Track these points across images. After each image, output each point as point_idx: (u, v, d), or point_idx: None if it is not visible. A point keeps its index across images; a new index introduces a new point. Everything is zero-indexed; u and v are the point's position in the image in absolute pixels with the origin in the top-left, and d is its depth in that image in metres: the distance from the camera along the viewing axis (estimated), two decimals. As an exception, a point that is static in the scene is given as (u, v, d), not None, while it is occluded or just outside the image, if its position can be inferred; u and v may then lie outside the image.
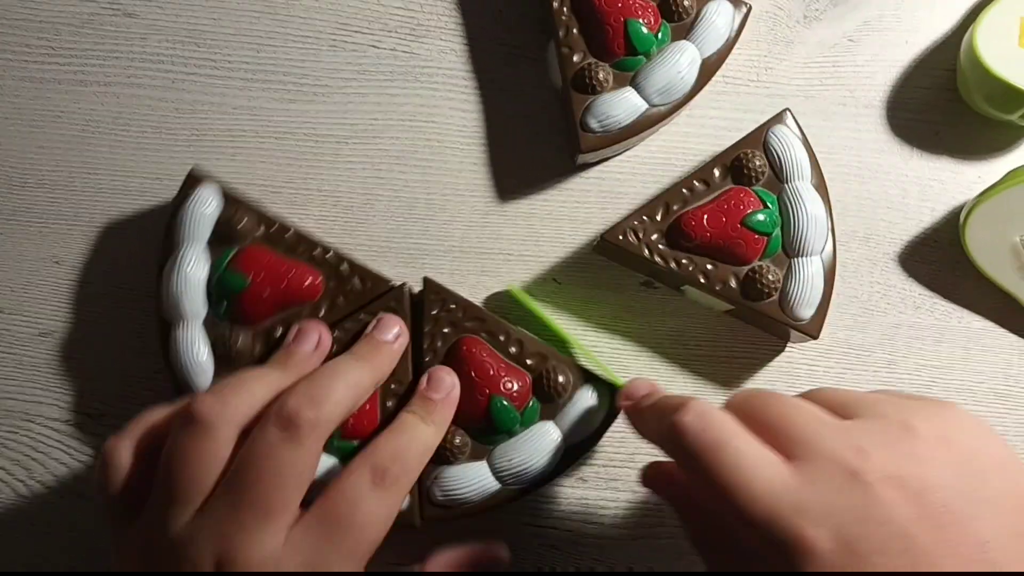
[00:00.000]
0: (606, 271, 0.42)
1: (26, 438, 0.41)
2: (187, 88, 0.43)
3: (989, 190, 0.40)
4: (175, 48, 0.43)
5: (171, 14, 0.43)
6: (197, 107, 0.43)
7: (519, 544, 0.40)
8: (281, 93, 0.43)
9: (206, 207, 0.38)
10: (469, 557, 0.35)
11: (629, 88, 0.40)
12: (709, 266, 0.39)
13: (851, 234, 0.42)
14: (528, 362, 0.38)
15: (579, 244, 0.42)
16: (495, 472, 0.37)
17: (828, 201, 0.39)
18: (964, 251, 0.41)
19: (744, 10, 0.41)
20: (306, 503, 0.30)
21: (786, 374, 0.42)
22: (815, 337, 0.38)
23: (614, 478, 0.41)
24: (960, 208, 0.42)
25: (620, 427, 0.38)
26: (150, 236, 0.41)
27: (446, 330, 0.38)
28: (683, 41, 0.40)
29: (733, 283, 0.39)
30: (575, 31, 0.40)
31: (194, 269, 0.38)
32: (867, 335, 0.42)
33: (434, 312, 0.38)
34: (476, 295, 0.42)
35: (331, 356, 0.37)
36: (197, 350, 0.38)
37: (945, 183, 0.43)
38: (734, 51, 0.41)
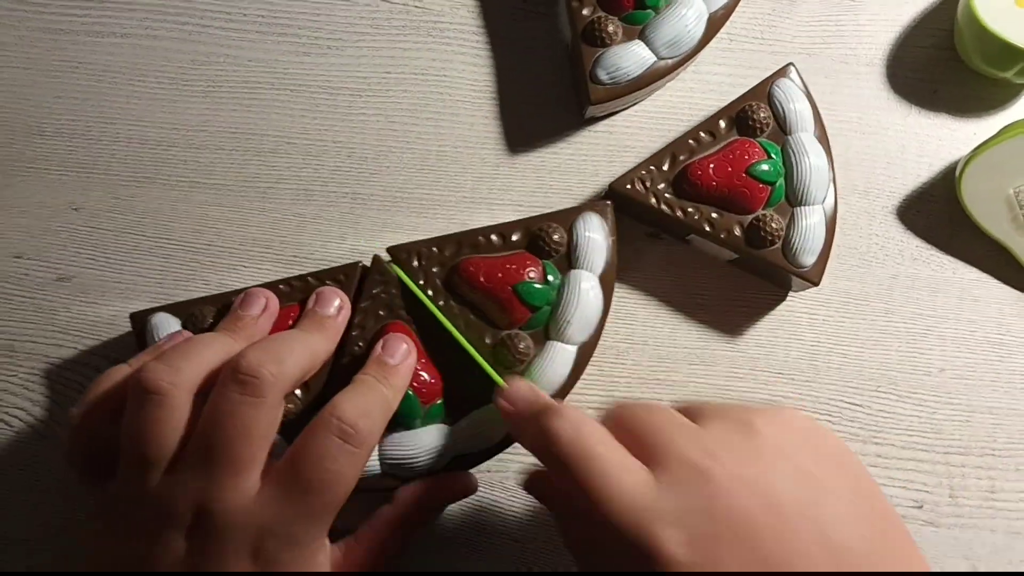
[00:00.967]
0: (613, 222, 0.43)
1: (46, 380, 0.41)
2: (203, 40, 0.44)
3: (985, 144, 0.41)
4: (191, 0, 0.44)
5: (187, -33, 0.44)
6: (212, 59, 0.44)
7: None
8: (296, 46, 0.44)
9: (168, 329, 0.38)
10: (438, 486, 0.36)
11: (638, 41, 0.41)
12: (714, 215, 0.40)
13: (851, 188, 0.44)
14: (445, 366, 0.38)
15: (587, 196, 0.43)
16: (382, 458, 0.37)
17: (830, 152, 0.40)
18: (960, 204, 0.42)
19: (750, -33, 0.42)
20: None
21: (787, 322, 0.43)
22: (816, 284, 0.40)
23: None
24: (956, 163, 0.43)
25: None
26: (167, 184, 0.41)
27: (381, 312, 0.38)
28: (690, -5, 0.41)
29: (738, 231, 0.40)
30: (585, -15, 0.41)
31: None
32: (865, 285, 0.43)
33: (375, 291, 0.38)
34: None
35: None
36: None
37: (943, 139, 0.44)
38: (739, 8, 0.42)
